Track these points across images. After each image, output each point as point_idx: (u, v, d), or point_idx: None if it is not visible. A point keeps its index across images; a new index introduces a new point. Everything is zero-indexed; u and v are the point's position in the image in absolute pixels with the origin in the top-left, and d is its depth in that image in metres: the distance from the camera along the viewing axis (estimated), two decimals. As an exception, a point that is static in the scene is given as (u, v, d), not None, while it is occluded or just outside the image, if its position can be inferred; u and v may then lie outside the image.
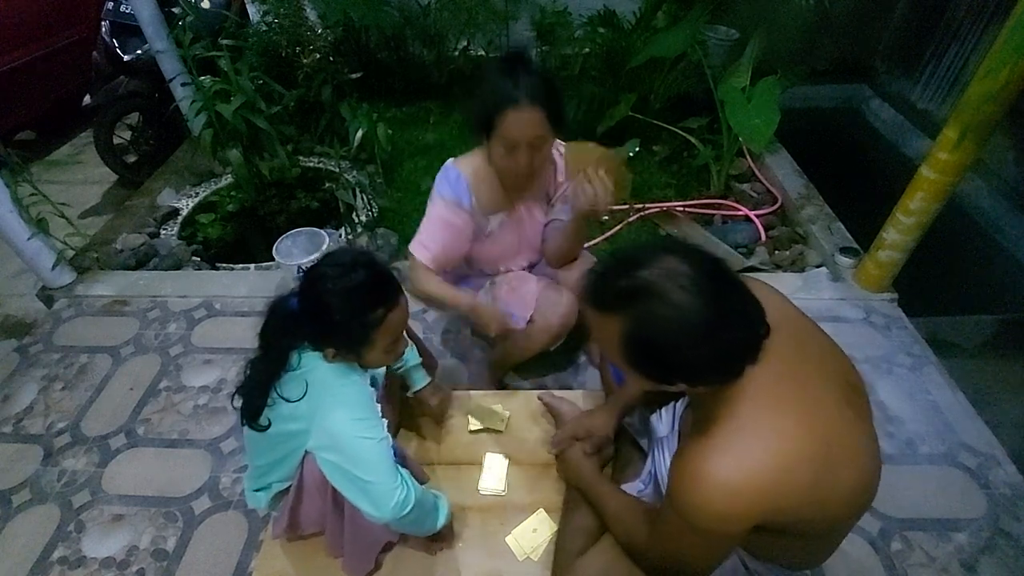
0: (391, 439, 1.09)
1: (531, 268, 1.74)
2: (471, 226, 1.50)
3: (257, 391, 1.06)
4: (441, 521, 1.19)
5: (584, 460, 1.27)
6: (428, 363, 1.58)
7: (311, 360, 1.08)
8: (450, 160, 1.49)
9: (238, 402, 1.09)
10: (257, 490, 1.21)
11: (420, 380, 1.47)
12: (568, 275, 1.64)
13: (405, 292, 1.11)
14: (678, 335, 0.74)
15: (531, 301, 1.53)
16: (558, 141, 1.55)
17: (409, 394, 1.48)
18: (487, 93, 1.30)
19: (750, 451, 0.77)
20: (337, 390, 1.06)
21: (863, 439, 0.84)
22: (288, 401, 1.04)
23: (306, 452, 1.09)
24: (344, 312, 1.02)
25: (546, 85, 1.29)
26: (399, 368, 1.44)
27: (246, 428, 1.11)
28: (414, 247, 1.49)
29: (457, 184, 1.45)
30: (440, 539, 1.28)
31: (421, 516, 1.11)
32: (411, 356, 1.45)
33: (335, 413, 1.04)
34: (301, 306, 1.06)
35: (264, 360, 1.07)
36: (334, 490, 1.09)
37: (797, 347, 0.84)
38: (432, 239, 1.48)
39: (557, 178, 1.53)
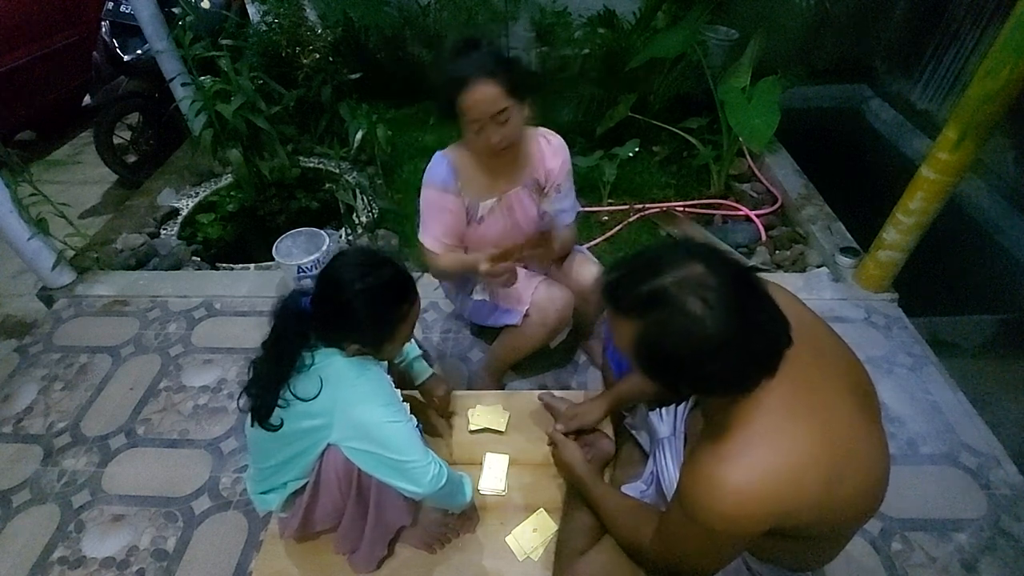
0: (415, 420, 1.13)
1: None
2: (462, 205, 1.52)
3: (267, 392, 1.07)
4: (469, 495, 1.22)
5: (579, 457, 1.27)
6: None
7: (324, 356, 1.09)
8: (439, 151, 1.53)
9: (243, 403, 1.10)
10: (265, 492, 1.21)
11: (424, 371, 1.50)
12: (564, 271, 1.65)
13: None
14: (691, 348, 0.73)
15: (527, 297, 1.54)
16: (544, 129, 1.56)
17: (416, 385, 1.50)
18: (442, 81, 1.32)
19: (764, 456, 0.76)
20: (356, 382, 1.08)
21: (874, 445, 0.84)
22: (303, 400, 1.05)
23: (328, 445, 1.10)
24: (373, 309, 1.05)
25: (496, 56, 1.30)
26: (400, 362, 1.45)
27: (252, 430, 1.11)
28: (423, 237, 1.54)
29: (442, 170, 1.49)
30: (466, 518, 1.31)
31: (453, 489, 1.16)
32: (411, 349, 1.46)
33: (360, 405, 1.07)
34: (319, 308, 1.09)
35: (274, 361, 1.08)
36: (358, 480, 1.11)
37: (812, 352, 0.83)
38: (433, 226, 1.52)
39: (546, 164, 1.54)
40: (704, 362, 0.73)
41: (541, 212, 1.58)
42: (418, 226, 1.55)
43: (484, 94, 1.27)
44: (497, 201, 1.53)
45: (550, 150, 1.54)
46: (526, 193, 1.55)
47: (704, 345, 0.72)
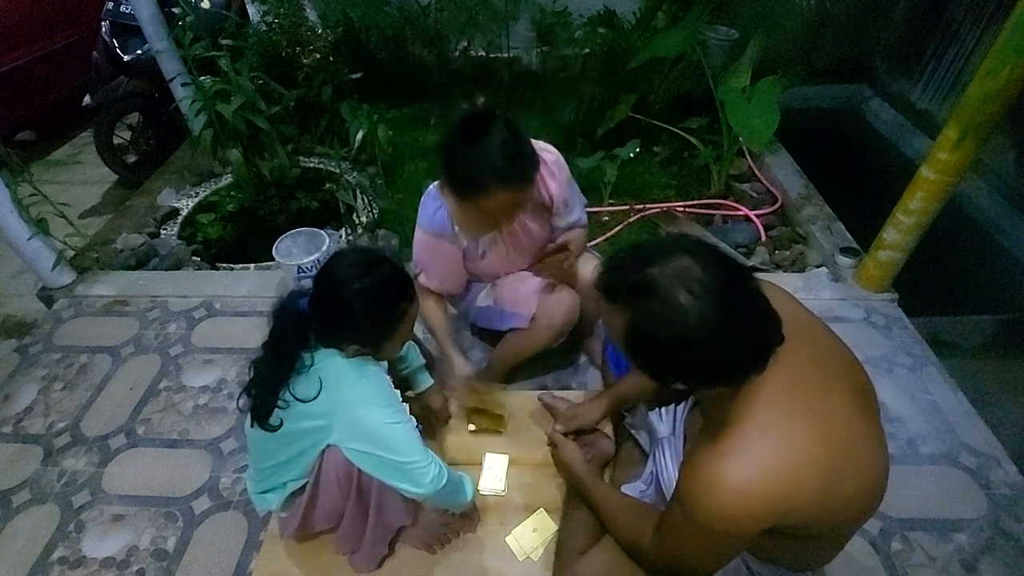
0: (414, 420, 1.13)
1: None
2: (459, 250, 1.50)
3: (266, 392, 1.07)
4: (469, 495, 1.22)
5: (579, 457, 1.27)
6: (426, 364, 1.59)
7: (324, 357, 1.09)
8: (434, 185, 1.45)
9: (243, 403, 1.10)
10: (265, 492, 1.21)
11: (425, 381, 1.49)
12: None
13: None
14: (675, 338, 0.74)
15: (533, 300, 1.53)
16: (539, 144, 1.42)
17: (411, 394, 1.49)
18: (460, 169, 1.23)
19: (763, 456, 0.76)
20: (356, 383, 1.08)
21: (873, 444, 0.84)
22: (303, 401, 1.05)
23: (327, 446, 1.10)
24: (373, 309, 1.05)
25: (512, 152, 1.19)
26: (405, 369, 1.45)
27: (251, 430, 1.11)
28: (415, 271, 1.52)
29: (437, 214, 1.43)
30: (467, 517, 1.31)
31: (453, 490, 1.17)
32: (415, 358, 1.46)
33: (361, 406, 1.07)
34: (317, 308, 1.08)
35: (274, 362, 1.08)
36: (358, 480, 1.12)
37: (810, 352, 0.84)
38: (426, 266, 1.51)
39: (548, 186, 1.45)
40: (688, 352, 0.74)
41: (555, 229, 1.57)
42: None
43: (508, 200, 1.23)
44: (497, 234, 1.51)
45: (547, 171, 1.43)
46: (530, 217, 1.51)
47: (689, 335, 0.73)
